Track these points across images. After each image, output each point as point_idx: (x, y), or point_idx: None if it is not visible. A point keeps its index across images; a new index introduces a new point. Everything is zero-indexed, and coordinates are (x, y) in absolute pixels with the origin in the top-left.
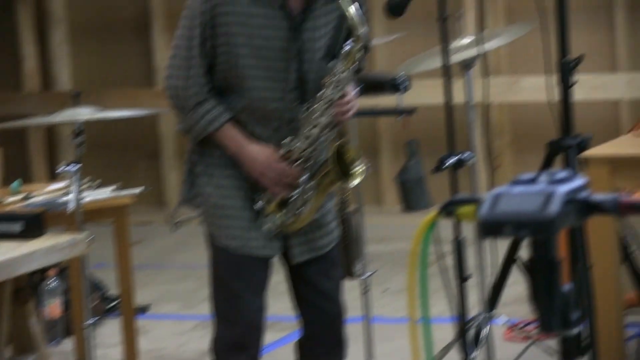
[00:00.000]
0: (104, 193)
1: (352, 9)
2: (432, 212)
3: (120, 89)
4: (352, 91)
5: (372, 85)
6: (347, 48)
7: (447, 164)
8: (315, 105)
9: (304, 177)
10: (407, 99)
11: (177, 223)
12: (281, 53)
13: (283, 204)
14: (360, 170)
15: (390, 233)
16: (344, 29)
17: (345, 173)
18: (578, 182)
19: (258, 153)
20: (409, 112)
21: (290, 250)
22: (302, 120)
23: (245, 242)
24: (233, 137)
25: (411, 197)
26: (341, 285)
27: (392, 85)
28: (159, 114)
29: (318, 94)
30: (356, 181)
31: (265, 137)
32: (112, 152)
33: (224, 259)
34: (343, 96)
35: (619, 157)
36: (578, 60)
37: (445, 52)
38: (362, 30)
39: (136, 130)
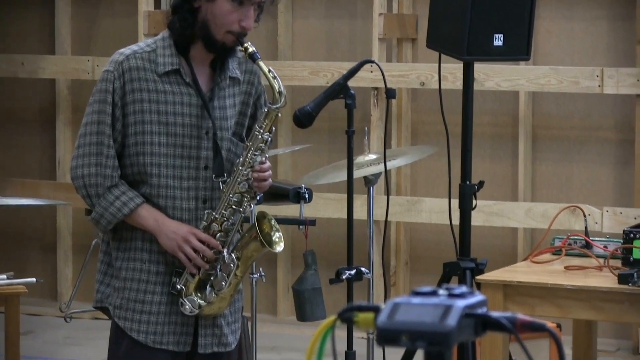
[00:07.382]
0: None
1: (270, 71)
2: (330, 317)
3: (20, 179)
4: (267, 160)
5: (275, 194)
6: (265, 109)
7: (345, 276)
8: (234, 173)
9: (224, 251)
10: (307, 211)
11: (70, 316)
12: (193, 130)
13: (201, 285)
14: (280, 237)
15: (282, 342)
16: (248, 115)
17: (267, 241)
18: (476, 298)
19: (178, 227)
20: (310, 222)
21: (196, 340)
22: (221, 192)
23: (161, 338)
24: (151, 214)
25: (306, 307)
26: None
27: (296, 195)
28: (57, 206)
29: (237, 162)
30: (279, 247)
31: (185, 218)
32: (6, 241)
33: (137, 353)
34: (262, 163)
35: (512, 283)
36: (479, 186)
37: (350, 167)
38: (281, 89)
39: (34, 221)
